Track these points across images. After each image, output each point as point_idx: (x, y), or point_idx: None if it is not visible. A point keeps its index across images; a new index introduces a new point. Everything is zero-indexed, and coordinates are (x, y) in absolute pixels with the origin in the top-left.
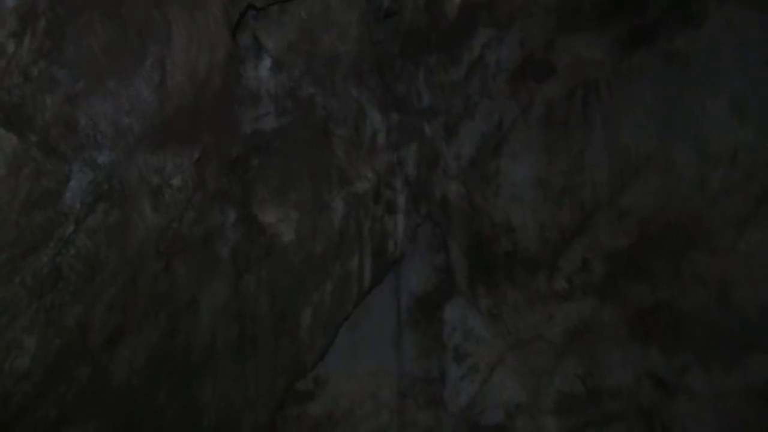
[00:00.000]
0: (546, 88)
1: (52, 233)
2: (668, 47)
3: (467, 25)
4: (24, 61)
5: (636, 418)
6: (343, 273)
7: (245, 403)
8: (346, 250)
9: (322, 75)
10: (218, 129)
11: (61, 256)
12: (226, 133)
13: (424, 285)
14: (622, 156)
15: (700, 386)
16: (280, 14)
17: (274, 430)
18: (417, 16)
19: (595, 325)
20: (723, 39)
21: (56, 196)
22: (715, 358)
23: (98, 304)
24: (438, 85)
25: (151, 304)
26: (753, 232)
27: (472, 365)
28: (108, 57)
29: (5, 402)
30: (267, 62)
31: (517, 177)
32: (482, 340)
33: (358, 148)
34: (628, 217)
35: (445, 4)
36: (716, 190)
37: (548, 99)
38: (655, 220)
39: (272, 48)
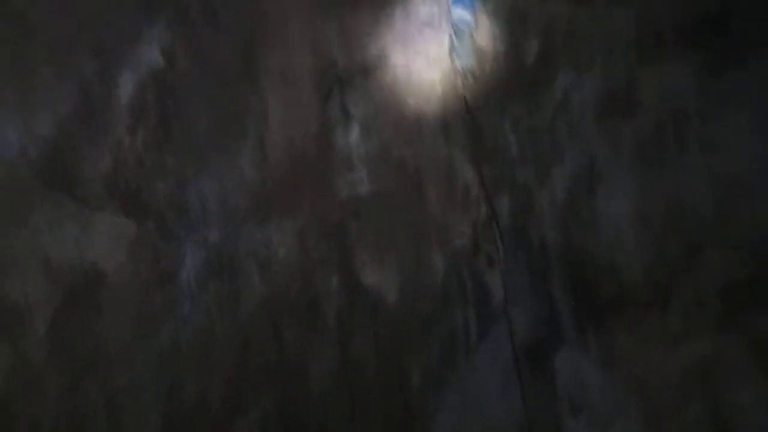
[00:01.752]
0: (634, 122)
1: (171, 312)
2: (760, 68)
3: (547, 68)
4: (138, 152)
5: None
6: (448, 330)
7: None
8: (450, 307)
9: (411, 135)
10: (316, 198)
11: (180, 333)
12: (323, 201)
13: (530, 336)
14: (725, 183)
15: None
16: (365, 80)
17: None
18: (497, 65)
19: (719, 363)
20: None
21: (173, 276)
22: None
23: (216, 378)
24: (525, 132)
25: (264, 374)
26: None
27: (590, 417)
28: (212, 141)
29: None
30: (356, 128)
31: (615, 216)
32: (598, 388)
33: (453, 203)
34: (740, 246)
35: (523, 50)
36: None
37: (638, 133)
38: None
39: (360, 114)
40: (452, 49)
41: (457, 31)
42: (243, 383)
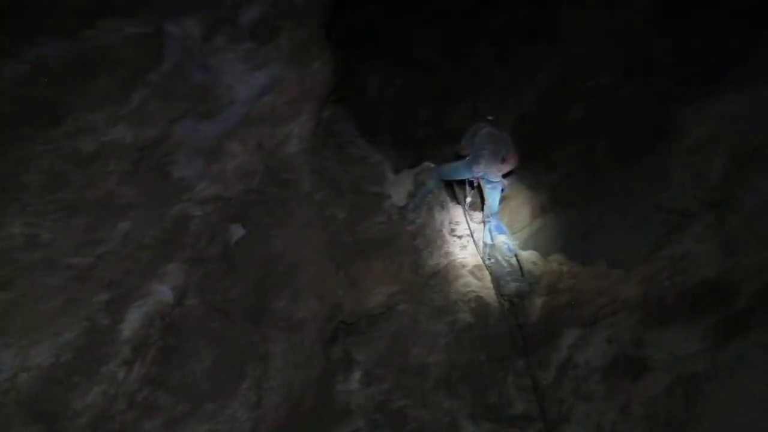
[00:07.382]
0: (643, 385)
1: None
2: (765, 338)
3: (551, 326)
4: (131, 388)
5: None
6: None
7: None
8: None
9: (413, 386)
10: None
11: None
12: None
13: None
14: None
15: None
16: (369, 328)
17: None
18: (500, 320)
19: None
20: None
21: None
22: None
23: None
24: (528, 389)
25: None
26: None
27: None
28: (208, 381)
29: None
30: (357, 375)
31: None
32: None
33: None
34: None
35: (528, 307)
36: None
37: (647, 398)
38: None
39: (363, 361)
40: (458, 301)
41: (464, 285)
42: None
